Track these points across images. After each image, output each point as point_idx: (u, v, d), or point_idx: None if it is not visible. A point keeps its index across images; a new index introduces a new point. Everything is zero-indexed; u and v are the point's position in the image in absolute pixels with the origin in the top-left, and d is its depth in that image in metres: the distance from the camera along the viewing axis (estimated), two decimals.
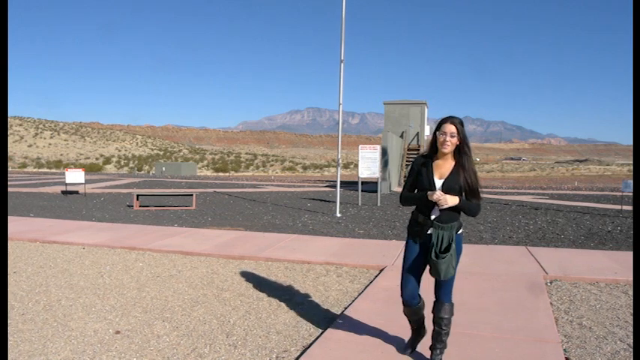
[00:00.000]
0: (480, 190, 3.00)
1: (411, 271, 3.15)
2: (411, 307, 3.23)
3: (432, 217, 3.03)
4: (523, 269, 6.00)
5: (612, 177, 55.66)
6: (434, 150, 3.06)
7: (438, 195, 2.90)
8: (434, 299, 3.23)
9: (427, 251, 3.05)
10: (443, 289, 3.15)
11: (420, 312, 3.30)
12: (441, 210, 2.98)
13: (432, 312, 3.20)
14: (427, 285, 3.30)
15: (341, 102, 11.02)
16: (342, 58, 10.95)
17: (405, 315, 3.32)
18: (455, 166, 2.99)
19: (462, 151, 2.98)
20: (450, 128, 2.91)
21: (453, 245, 2.97)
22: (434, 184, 2.99)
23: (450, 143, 2.92)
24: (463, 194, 3.01)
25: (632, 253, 7.04)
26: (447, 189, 2.95)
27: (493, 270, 5.98)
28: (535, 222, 10.75)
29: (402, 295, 3.22)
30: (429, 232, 3.05)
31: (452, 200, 2.92)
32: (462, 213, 3.07)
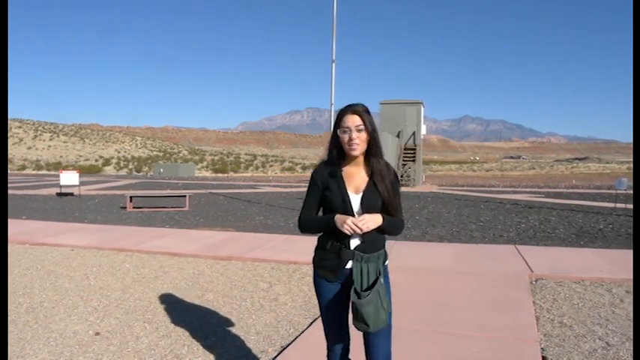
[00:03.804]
0: (400, 203, 2.33)
1: (337, 325, 2.33)
2: None
3: (352, 244, 2.21)
4: (509, 268, 6.00)
5: (611, 175, 55.68)
6: (339, 155, 2.25)
7: (350, 224, 2.11)
8: None
9: (349, 292, 2.22)
10: (376, 349, 2.28)
11: None
12: (363, 234, 2.18)
13: None
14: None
15: (332, 102, 11.04)
16: (334, 59, 10.96)
17: None
18: (370, 174, 2.24)
19: (371, 150, 2.21)
20: (354, 120, 2.15)
21: (381, 280, 2.20)
22: (349, 201, 2.20)
23: (358, 141, 2.16)
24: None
25: (621, 250, 7.05)
26: (367, 206, 2.19)
27: (480, 269, 5.99)
28: (527, 220, 10.75)
29: None
30: (347, 265, 2.22)
31: (375, 221, 2.16)
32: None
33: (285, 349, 3.57)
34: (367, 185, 2.23)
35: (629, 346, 3.59)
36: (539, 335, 3.82)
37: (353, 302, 2.14)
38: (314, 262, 2.35)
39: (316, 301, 4.91)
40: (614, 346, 3.61)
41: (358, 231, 2.12)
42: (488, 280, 5.47)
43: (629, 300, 4.73)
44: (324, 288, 2.31)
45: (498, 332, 3.86)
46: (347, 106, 2.22)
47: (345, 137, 2.18)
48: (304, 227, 2.32)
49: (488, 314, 4.30)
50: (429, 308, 4.45)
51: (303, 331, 3.91)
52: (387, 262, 2.35)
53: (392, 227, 2.27)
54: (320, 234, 2.33)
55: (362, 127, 2.16)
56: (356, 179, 2.24)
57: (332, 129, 2.27)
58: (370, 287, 2.17)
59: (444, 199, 16.88)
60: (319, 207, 2.32)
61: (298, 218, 2.35)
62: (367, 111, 2.21)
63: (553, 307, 4.55)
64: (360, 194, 2.22)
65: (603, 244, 7.80)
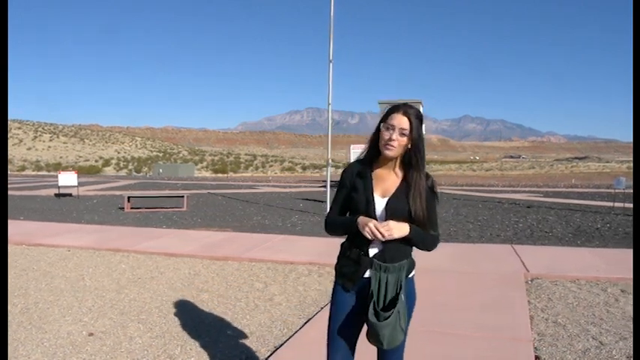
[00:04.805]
0: (436, 218, 2.14)
1: (341, 335, 2.12)
2: None
3: (371, 252, 2.06)
4: (505, 268, 6.00)
5: (611, 174, 55.73)
6: (374, 154, 2.10)
7: (371, 227, 1.94)
8: None
9: (364, 304, 2.06)
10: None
11: None
12: (384, 242, 2.00)
13: None
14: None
15: (330, 102, 11.04)
16: (331, 59, 10.96)
17: None
18: (402, 180, 2.08)
19: (411, 161, 2.04)
20: (401, 121, 1.98)
21: (402, 296, 2.01)
22: (373, 204, 2.04)
23: (396, 144, 1.98)
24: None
25: (618, 249, 7.05)
26: (391, 212, 2.02)
27: (476, 269, 5.99)
28: (525, 220, 10.75)
29: None
30: (366, 274, 2.07)
31: (400, 230, 1.98)
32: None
33: (277, 349, 3.57)
34: (396, 190, 2.06)
35: (623, 345, 3.59)
36: (533, 335, 3.82)
37: (371, 321, 1.98)
38: (335, 269, 2.21)
39: (311, 301, 4.92)
40: (607, 345, 3.60)
41: (380, 236, 1.94)
42: (484, 279, 5.47)
43: (624, 299, 4.73)
44: (340, 296, 2.15)
45: (494, 332, 3.86)
46: (402, 104, 2.04)
47: (386, 135, 2.00)
48: (329, 227, 2.19)
49: (484, 314, 4.30)
50: (427, 308, 4.44)
51: (296, 332, 3.91)
52: (412, 273, 2.14)
53: (421, 241, 2.07)
54: (343, 241, 2.20)
55: (407, 131, 1.99)
56: (386, 182, 2.08)
57: (377, 125, 2.06)
58: (391, 306, 2.00)
59: (442, 198, 16.89)
60: (347, 208, 2.16)
61: (325, 218, 2.22)
62: (419, 118, 2.02)
63: (548, 307, 4.54)
64: (387, 198, 2.05)
65: (600, 243, 7.80)
